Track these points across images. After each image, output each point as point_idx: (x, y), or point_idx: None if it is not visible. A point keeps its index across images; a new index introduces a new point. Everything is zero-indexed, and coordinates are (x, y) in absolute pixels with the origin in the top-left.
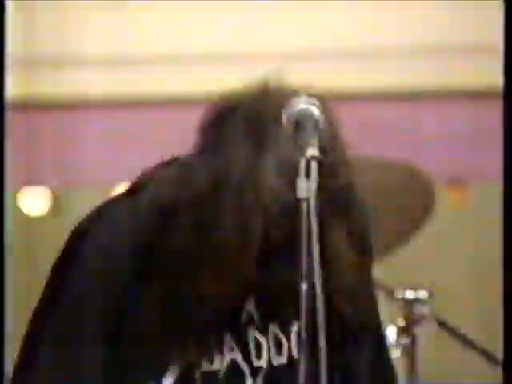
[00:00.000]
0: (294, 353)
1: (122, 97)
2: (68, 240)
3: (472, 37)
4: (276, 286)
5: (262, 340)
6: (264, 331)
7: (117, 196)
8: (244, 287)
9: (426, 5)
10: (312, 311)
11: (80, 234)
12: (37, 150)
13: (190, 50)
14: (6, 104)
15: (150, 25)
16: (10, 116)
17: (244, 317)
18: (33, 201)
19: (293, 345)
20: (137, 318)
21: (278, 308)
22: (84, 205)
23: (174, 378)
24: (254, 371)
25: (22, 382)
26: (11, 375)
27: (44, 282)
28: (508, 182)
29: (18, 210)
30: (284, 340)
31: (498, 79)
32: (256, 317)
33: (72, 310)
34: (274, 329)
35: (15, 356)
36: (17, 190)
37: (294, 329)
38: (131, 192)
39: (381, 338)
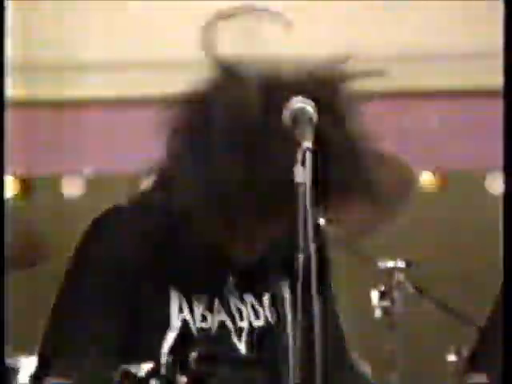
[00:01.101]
0: (270, 318)
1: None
2: (80, 241)
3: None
4: (252, 263)
5: (242, 307)
6: (242, 300)
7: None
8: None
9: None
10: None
11: (92, 236)
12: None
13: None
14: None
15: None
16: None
17: (225, 288)
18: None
19: (267, 311)
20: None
21: (253, 282)
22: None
23: (175, 332)
24: (239, 330)
25: (53, 342)
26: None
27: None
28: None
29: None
30: (259, 307)
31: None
32: (234, 288)
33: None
34: (249, 298)
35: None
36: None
37: (266, 298)
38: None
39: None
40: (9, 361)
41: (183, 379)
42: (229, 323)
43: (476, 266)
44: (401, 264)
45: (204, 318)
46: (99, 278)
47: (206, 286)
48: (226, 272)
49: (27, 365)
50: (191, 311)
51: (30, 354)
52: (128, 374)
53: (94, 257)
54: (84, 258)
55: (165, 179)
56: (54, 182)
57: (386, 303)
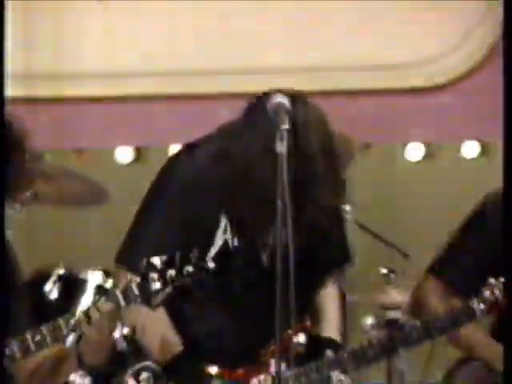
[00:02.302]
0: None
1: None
2: (159, 172)
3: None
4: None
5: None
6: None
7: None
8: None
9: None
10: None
11: (168, 168)
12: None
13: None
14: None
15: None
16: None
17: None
18: None
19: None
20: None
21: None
22: None
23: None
24: (263, 246)
25: (131, 243)
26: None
27: None
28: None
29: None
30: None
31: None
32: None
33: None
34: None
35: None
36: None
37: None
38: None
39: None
40: (81, 274)
41: (212, 265)
42: (258, 242)
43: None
44: (348, 207)
45: (238, 239)
46: (166, 201)
47: (251, 218)
48: (268, 210)
49: (93, 277)
50: (232, 233)
51: (96, 269)
52: (152, 264)
53: (165, 184)
54: (157, 185)
55: (227, 132)
56: None
57: None
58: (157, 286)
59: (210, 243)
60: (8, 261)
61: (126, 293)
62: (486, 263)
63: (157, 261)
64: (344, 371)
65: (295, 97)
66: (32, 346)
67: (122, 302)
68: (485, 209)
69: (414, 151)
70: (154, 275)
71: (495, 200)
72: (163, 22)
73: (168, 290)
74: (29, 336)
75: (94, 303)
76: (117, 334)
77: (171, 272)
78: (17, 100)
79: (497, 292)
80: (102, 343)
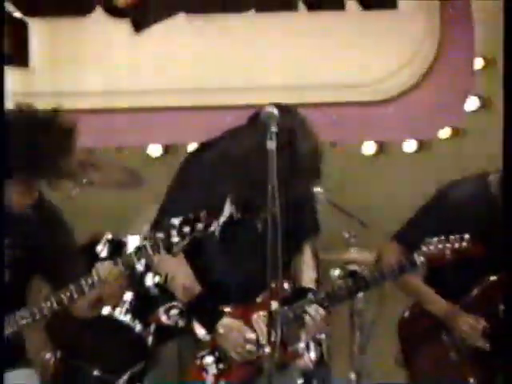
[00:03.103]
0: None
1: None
2: (182, 163)
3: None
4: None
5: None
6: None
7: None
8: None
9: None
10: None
11: (190, 160)
12: None
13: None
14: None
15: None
16: None
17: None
18: None
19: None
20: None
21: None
22: None
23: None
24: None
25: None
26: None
27: None
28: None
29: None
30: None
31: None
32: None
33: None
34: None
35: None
36: None
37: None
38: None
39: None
40: (123, 238)
41: (216, 226)
42: (254, 214)
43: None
44: (320, 189)
45: (240, 212)
46: (187, 183)
47: (249, 197)
48: (262, 191)
49: (132, 239)
50: (235, 208)
51: (135, 234)
52: (172, 224)
53: (187, 172)
54: (181, 172)
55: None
56: None
57: None
58: (175, 239)
59: (219, 215)
60: (65, 231)
61: (154, 246)
62: (433, 234)
63: (176, 221)
64: (322, 306)
65: (282, 108)
66: (86, 289)
67: (151, 252)
68: (440, 194)
69: (367, 148)
70: (174, 231)
71: (450, 185)
72: (187, 49)
73: (185, 241)
74: (83, 281)
75: (128, 263)
76: (149, 282)
77: (186, 229)
78: (73, 111)
79: (432, 248)
80: (123, 287)
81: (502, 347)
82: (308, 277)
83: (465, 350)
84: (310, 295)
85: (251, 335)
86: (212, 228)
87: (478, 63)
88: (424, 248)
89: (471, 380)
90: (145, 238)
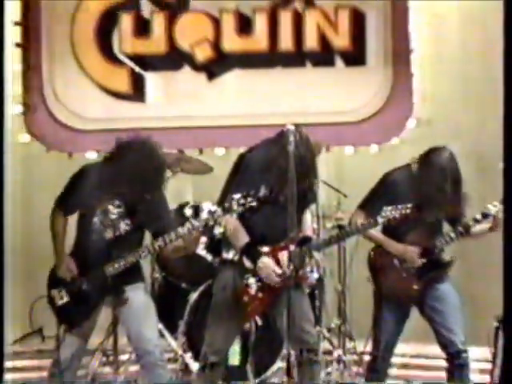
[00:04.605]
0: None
1: None
2: (237, 159)
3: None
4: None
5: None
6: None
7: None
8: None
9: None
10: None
11: (242, 157)
12: None
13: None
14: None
15: None
16: None
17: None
18: None
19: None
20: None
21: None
22: None
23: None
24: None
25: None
26: None
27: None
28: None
29: None
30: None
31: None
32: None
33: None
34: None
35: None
36: None
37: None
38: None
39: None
40: (202, 204)
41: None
42: (279, 192)
43: None
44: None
45: (270, 191)
46: (239, 173)
47: (276, 182)
48: (284, 179)
49: (207, 205)
50: (267, 188)
51: (208, 202)
52: (231, 197)
53: (240, 165)
54: (236, 166)
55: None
56: None
57: None
58: (234, 207)
59: (258, 193)
60: (163, 202)
61: (222, 210)
62: (381, 203)
63: (235, 196)
64: (318, 250)
65: (297, 127)
66: (174, 238)
67: (221, 213)
68: (383, 177)
69: (348, 150)
70: (234, 202)
71: (389, 172)
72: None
73: (239, 209)
74: (173, 232)
75: (203, 220)
76: (216, 232)
77: (241, 201)
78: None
79: (388, 213)
80: (198, 239)
81: (432, 265)
82: (310, 229)
83: (410, 269)
84: (311, 242)
85: (277, 270)
86: (255, 203)
87: (416, 99)
88: (383, 213)
89: (415, 286)
90: (216, 210)
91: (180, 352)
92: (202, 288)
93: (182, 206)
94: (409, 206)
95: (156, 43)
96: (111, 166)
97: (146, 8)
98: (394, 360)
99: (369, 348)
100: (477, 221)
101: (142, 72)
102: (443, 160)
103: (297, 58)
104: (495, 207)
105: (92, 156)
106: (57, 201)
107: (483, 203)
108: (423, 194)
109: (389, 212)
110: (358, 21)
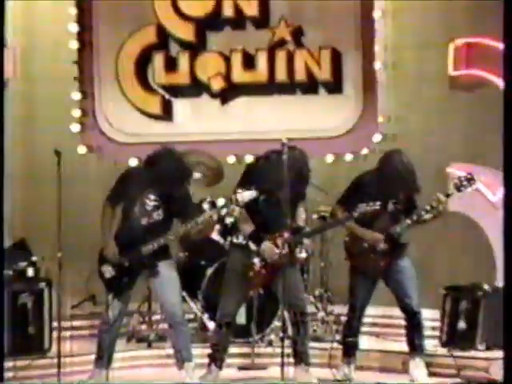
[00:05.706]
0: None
1: None
2: (248, 165)
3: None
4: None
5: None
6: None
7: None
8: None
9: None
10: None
11: (251, 163)
12: None
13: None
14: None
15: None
16: None
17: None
18: None
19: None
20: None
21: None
22: None
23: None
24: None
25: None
26: None
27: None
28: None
29: None
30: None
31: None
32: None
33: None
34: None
35: None
36: None
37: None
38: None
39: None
40: (217, 200)
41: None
42: (276, 191)
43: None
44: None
45: (273, 191)
46: (249, 175)
47: (273, 183)
48: (279, 181)
49: (221, 201)
50: (267, 187)
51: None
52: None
53: (251, 169)
54: (248, 169)
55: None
56: None
57: None
58: (241, 198)
59: (262, 191)
60: (187, 196)
61: (233, 203)
62: (362, 199)
63: (238, 195)
64: (309, 238)
65: (290, 143)
66: (194, 225)
67: (230, 206)
68: (356, 178)
69: (329, 158)
70: (239, 195)
71: (360, 174)
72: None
73: (246, 201)
74: (194, 221)
75: (217, 211)
76: (228, 221)
77: (248, 194)
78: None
79: (362, 209)
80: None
81: (393, 246)
82: (301, 220)
83: (376, 250)
84: (303, 230)
85: (276, 251)
86: (261, 197)
87: (380, 119)
88: (357, 209)
89: (381, 263)
90: (227, 203)
91: (199, 314)
92: (216, 265)
93: (201, 201)
94: (377, 203)
95: (182, 76)
96: (148, 170)
97: (174, 48)
98: (366, 320)
99: (345, 310)
100: (427, 211)
101: (171, 98)
102: (396, 161)
103: (290, 87)
104: (439, 199)
105: (133, 162)
106: (107, 196)
107: (431, 197)
108: (384, 190)
109: (363, 208)
110: (336, 58)
